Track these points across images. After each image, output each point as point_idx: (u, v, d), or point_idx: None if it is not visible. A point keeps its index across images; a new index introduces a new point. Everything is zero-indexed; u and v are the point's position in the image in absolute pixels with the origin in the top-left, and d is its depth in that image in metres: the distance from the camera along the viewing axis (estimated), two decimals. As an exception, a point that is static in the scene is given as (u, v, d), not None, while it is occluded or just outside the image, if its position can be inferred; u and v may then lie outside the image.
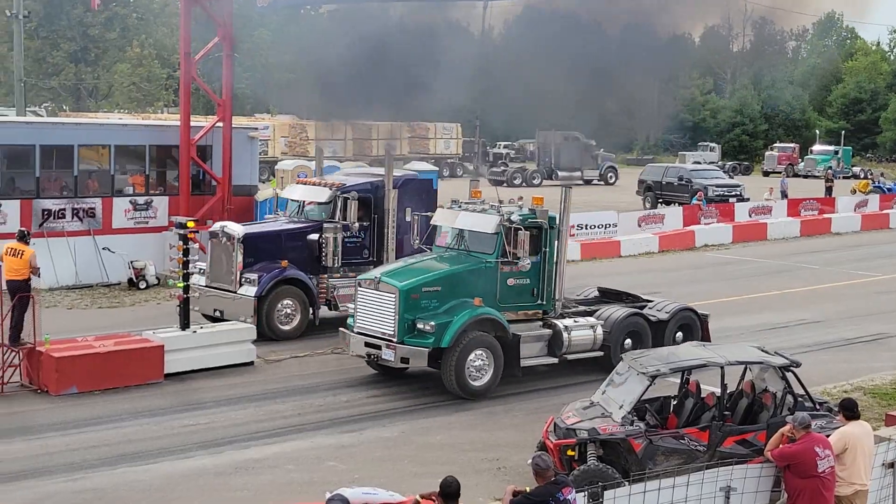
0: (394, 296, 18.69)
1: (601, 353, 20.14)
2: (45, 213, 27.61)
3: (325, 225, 23.72)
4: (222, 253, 23.57)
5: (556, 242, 19.92)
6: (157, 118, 54.12)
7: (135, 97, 69.59)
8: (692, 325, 21.27)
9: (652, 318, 20.93)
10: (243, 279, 23.01)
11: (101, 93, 71.36)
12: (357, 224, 23.77)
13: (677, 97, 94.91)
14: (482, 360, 18.84)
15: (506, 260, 19.29)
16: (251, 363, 20.77)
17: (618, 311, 20.80)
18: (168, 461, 15.49)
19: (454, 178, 67.82)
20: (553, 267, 19.95)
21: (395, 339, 18.68)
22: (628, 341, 20.37)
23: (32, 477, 14.69)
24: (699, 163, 69.49)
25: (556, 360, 19.77)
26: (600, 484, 11.48)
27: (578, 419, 14.17)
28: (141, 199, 29.37)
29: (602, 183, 69.70)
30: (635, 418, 13.94)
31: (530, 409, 18.32)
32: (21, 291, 19.08)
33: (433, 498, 9.99)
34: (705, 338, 21.03)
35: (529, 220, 19.63)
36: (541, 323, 19.95)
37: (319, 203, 24.37)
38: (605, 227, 39.77)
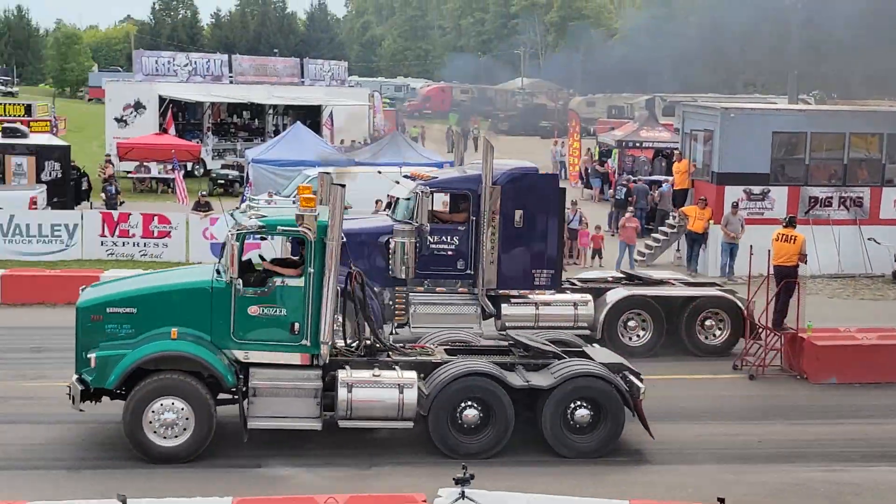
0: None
1: (410, 425, 14.38)
2: (812, 200, 27.82)
3: (396, 227, 19.41)
4: None
5: (324, 260, 14.13)
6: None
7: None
8: (605, 403, 14.50)
9: (514, 384, 14.46)
10: None
11: None
12: (429, 226, 19.17)
13: None
14: (175, 412, 13.89)
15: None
16: None
17: (451, 369, 14.54)
18: (930, 466, 14.71)
19: None
20: (321, 294, 14.13)
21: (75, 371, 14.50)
22: (471, 412, 14.31)
23: (788, 461, 14.82)
24: None
25: (318, 427, 14.24)
26: None
27: None
28: (916, 190, 28.31)
29: None
30: None
31: None
32: (789, 277, 19.38)
33: None
34: (641, 421, 14.67)
35: (281, 227, 14.50)
36: (318, 372, 14.37)
37: (400, 199, 19.99)
38: None
